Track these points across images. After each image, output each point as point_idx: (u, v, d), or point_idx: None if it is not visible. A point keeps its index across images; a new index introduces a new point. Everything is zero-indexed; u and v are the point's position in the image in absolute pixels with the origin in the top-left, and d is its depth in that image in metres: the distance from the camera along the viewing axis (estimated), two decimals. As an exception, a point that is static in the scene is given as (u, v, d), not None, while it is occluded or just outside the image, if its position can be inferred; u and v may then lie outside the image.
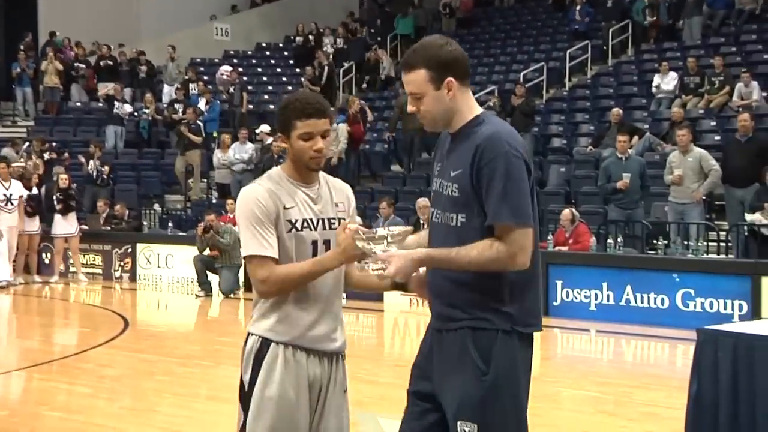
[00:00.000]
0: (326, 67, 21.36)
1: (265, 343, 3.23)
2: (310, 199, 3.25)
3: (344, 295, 3.49)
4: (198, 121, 18.36)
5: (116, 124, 20.11)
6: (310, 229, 3.23)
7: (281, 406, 3.18)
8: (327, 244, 3.23)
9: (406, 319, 12.12)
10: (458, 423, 3.04)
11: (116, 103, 20.10)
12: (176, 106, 19.76)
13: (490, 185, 2.97)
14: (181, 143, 18.13)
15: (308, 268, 3.16)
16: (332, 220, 3.27)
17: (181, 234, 15.85)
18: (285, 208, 3.20)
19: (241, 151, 17.38)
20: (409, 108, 3.14)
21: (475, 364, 3.02)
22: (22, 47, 22.52)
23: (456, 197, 3.06)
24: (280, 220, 3.20)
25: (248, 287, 14.20)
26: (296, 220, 3.21)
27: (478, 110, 3.14)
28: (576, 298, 11.29)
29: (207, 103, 19.61)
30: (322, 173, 3.35)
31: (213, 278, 13.96)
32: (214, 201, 17.77)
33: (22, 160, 17.32)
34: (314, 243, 3.23)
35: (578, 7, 20.73)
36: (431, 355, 3.19)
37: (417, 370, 3.26)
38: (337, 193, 3.36)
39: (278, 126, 3.28)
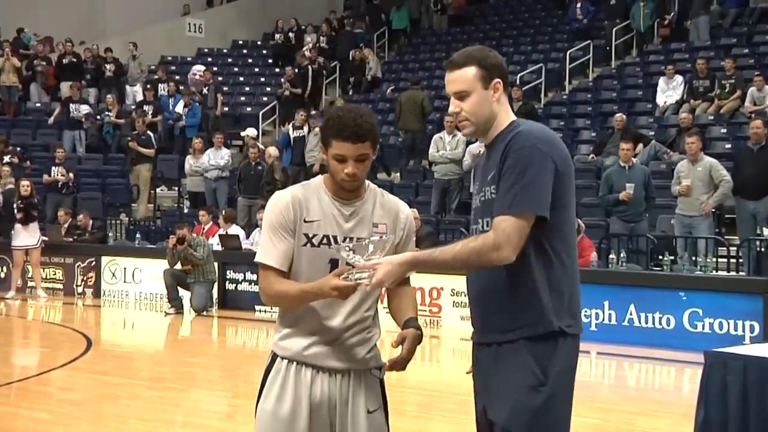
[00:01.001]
0: (310, 68, 21.38)
1: (272, 358, 3.41)
2: (341, 216, 3.34)
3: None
4: (148, 133, 18.28)
5: (73, 129, 20.05)
6: (330, 247, 3.30)
7: (275, 421, 3.33)
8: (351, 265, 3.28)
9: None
10: None
11: (71, 105, 20.02)
12: (146, 108, 19.74)
13: (505, 174, 3.14)
14: (128, 157, 18.07)
15: (296, 292, 3.29)
16: (362, 241, 3.27)
17: (149, 246, 15.82)
18: (306, 221, 3.32)
19: (216, 157, 17.38)
20: (452, 108, 3.30)
21: (534, 374, 3.15)
22: (9, 44, 22.36)
23: (493, 199, 3.20)
24: (297, 231, 3.32)
25: (221, 304, 14.20)
26: (314, 235, 3.32)
27: (513, 117, 3.33)
28: (575, 317, 11.33)
29: (186, 106, 19.58)
30: (377, 189, 3.44)
31: (184, 294, 13.94)
32: (185, 210, 17.76)
33: None
34: (333, 261, 3.30)
35: (579, 5, 20.85)
36: (476, 379, 3.32)
37: (474, 395, 3.39)
38: (381, 213, 3.40)
39: (320, 137, 3.41)
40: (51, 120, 20.53)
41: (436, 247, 3.28)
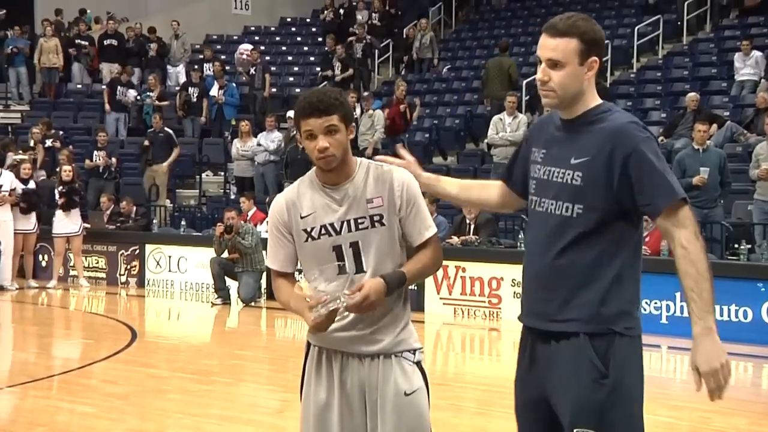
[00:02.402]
0: (361, 47, 21.37)
1: (307, 346, 3.67)
2: (333, 202, 3.51)
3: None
4: (166, 130, 17.93)
5: (118, 112, 20.23)
6: (330, 235, 3.50)
7: (312, 406, 3.58)
8: (354, 246, 3.47)
9: (450, 332, 12.11)
10: (574, 431, 3.24)
11: (119, 89, 20.21)
12: (191, 89, 19.88)
13: (643, 170, 3.18)
14: (144, 156, 17.89)
15: (287, 303, 3.57)
16: (360, 220, 3.49)
17: (195, 234, 15.95)
18: (302, 216, 3.54)
19: (268, 140, 17.45)
20: (541, 76, 3.32)
21: (595, 367, 3.21)
22: (50, 23, 22.64)
23: (578, 186, 3.25)
24: (295, 229, 3.56)
25: (270, 295, 14.27)
26: (312, 229, 3.52)
27: (598, 98, 3.35)
28: (645, 309, 11.24)
29: (221, 88, 19.70)
30: (371, 163, 3.55)
31: (231, 284, 14.03)
32: (232, 197, 17.86)
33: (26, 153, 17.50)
34: (337, 248, 3.50)
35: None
36: (534, 365, 3.37)
37: (520, 382, 3.46)
38: (374, 187, 3.51)
39: (294, 127, 3.60)
40: (107, 107, 20.53)
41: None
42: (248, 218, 14.88)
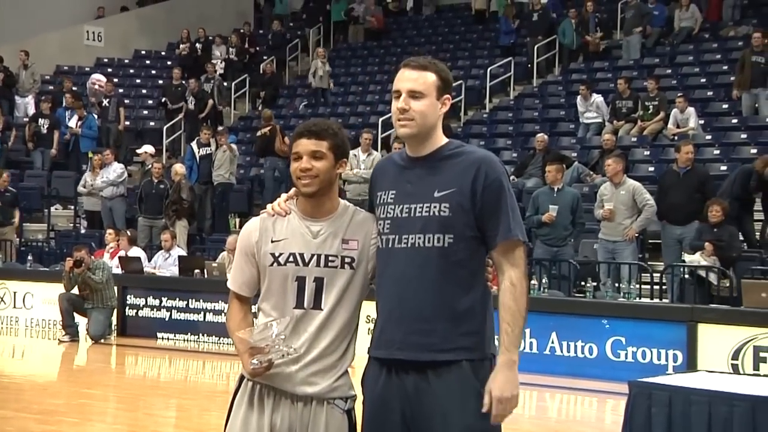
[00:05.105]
0: (213, 81, 21.21)
1: (240, 380, 3.57)
2: (309, 233, 3.50)
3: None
4: (11, 189, 17.08)
5: None
6: (297, 264, 3.48)
7: None
8: (318, 281, 3.46)
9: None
10: None
11: None
12: (41, 121, 19.40)
13: (497, 201, 3.38)
14: None
15: (231, 333, 3.53)
16: (331, 258, 3.47)
17: (42, 269, 15.53)
18: (272, 240, 3.51)
19: (108, 173, 17.09)
20: (401, 105, 3.42)
21: (481, 397, 3.33)
22: None
23: (447, 216, 3.36)
24: (261, 252, 3.52)
25: (120, 332, 13.98)
26: (280, 254, 3.49)
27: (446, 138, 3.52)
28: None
29: (80, 119, 19.31)
30: (356, 209, 3.57)
31: (81, 321, 13.69)
32: (82, 231, 17.48)
33: None
34: (300, 279, 3.47)
35: (502, 20, 21.11)
36: (401, 400, 3.39)
37: (378, 420, 3.45)
38: (354, 230, 3.52)
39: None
40: None
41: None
42: (109, 252, 14.61)
